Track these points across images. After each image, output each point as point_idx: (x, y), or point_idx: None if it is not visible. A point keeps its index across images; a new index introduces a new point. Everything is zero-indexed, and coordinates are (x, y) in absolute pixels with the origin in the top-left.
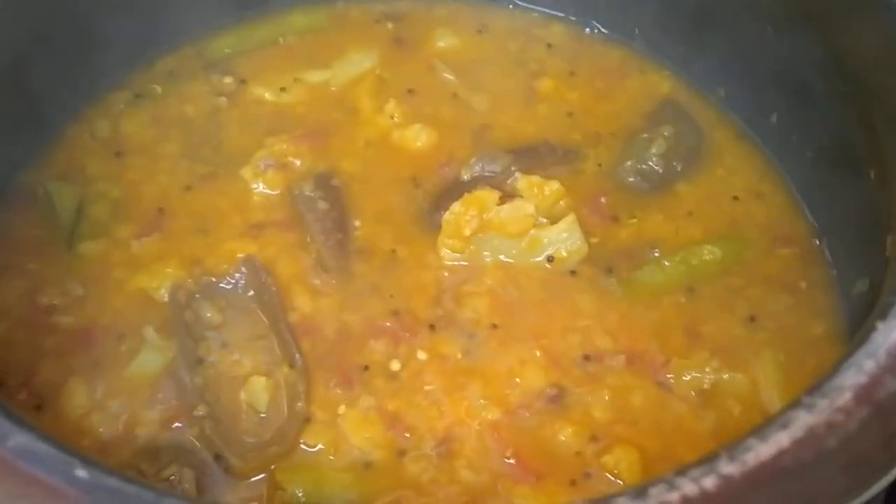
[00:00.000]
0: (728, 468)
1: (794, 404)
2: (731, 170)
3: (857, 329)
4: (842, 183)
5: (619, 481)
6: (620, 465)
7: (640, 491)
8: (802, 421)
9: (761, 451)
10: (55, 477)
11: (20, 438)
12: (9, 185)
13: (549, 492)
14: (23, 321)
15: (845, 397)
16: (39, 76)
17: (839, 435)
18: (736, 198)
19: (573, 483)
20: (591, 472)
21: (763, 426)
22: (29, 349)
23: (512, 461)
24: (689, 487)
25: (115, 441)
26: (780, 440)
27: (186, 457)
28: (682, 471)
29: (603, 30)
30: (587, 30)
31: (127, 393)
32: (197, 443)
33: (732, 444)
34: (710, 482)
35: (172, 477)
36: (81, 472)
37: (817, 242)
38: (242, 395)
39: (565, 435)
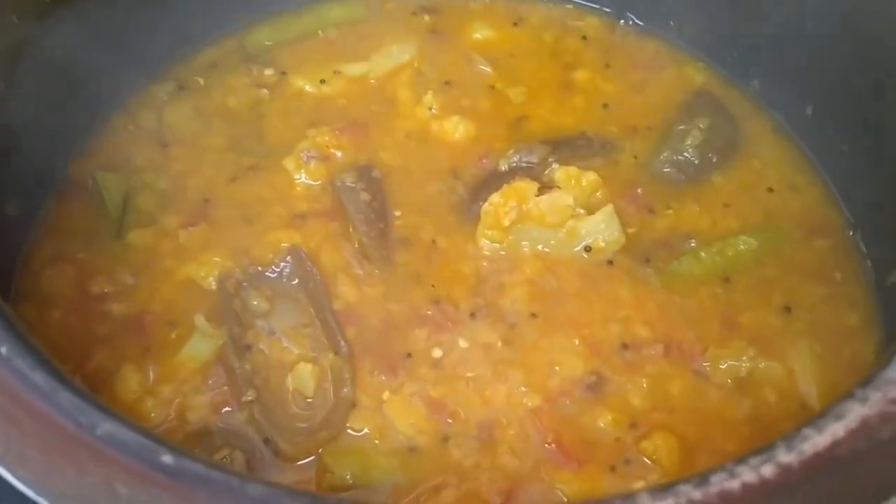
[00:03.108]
0: (786, 457)
1: (847, 396)
2: (766, 161)
3: (891, 319)
4: (876, 175)
5: (658, 467)
6: (659, 451)
7: (703, 479)
8: (857, 412)
9: (818, 441)
10: (142, 463)
11: (108, 426)
12: (58, 176)
13: (589, 477)
14: (75, 309)
15: None
16: (84, 68)
17: (893, 426)
18: (771, 189)
19: (613, 469)
20: (631, 457)
21: (818, 417)
22: (82, 336)
23: (553, 447)
24: (749, 475)
25: (168, 425)
26: (835, 431)
27: (237, 440)
28: (741, 459)
29: (638, 21)
30: (622, 21)
31: (178, 379)
32: (247, 427)
33: (790, 435)
34: (768, 470)
35: (224, 459)
36: (168, 459)
37: (851, 234)
38: (290, 381)
39: (605, 422)
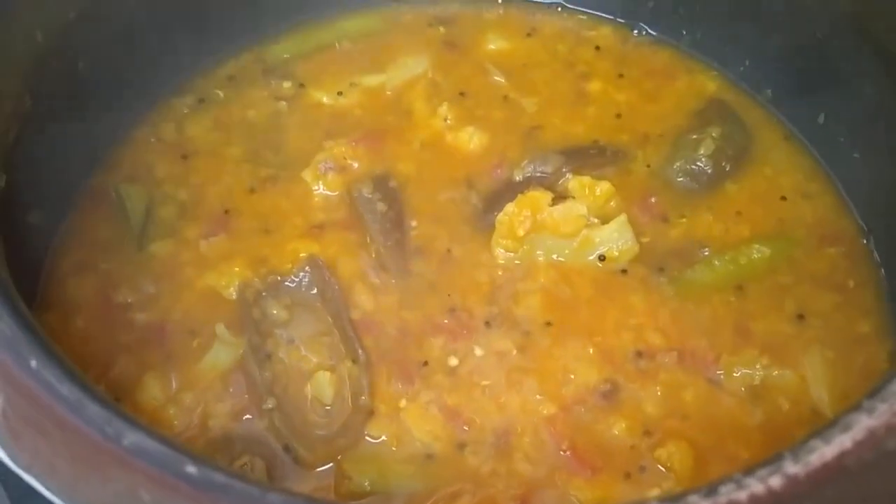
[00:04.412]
0: (793, 468)
1: (854, 407)
2: (778, 170)
3: None
4: (889, 183)
5: (671, 475)
6: (673, 458)
7: (711, 489)
8: (863, 424)
9: (825, 452)
10: (167, 473)
11: (134, 437)
12: (81, 187)
13: (604, 484)
14: (98, 317)
15: None
16: (106, 81)
17: None
18: (784, 198)
19: (628, 476)
20: (645, 465)
21: (825, 428)
22: (105, 344)
23: (568, 454)
24: (756, 486)
25: (189, 432)
26: (842, 442)
27: (257, 447)
28: (749, 471)
29: (650, 31)
30: (635, 31)
31: (200, 386)
32: (267, 434)
33: (796, 446)
34: (776, 481)
35: (244, 466)
36: (192, 469)
37: (865, 242)
38: (308, 389)
39: (619, 429)
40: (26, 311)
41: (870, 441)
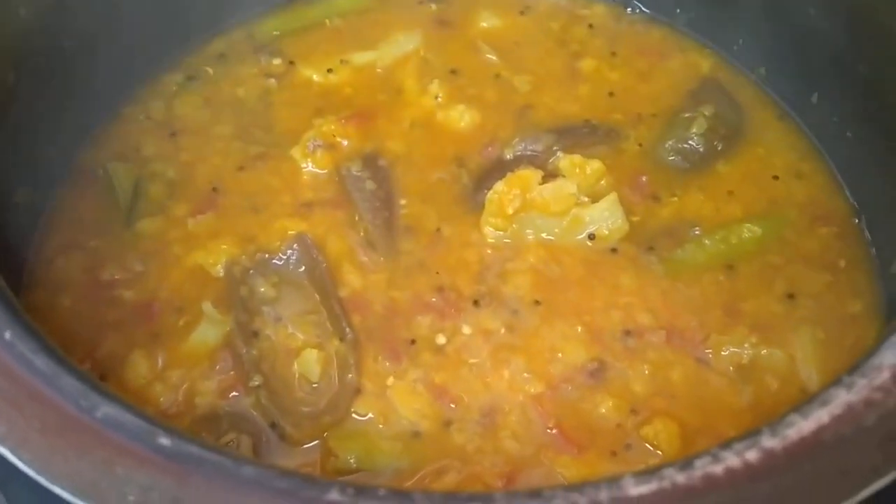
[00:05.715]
0: (770, 442)
1: (834, 383)
2: (771, 149)
3: (895, 307)
4: (881, 163)
5: (658, 453)
6: (660, 437)
7: (687, 463)
8: (842, 399)
9: (802, 426)
10: (140, 445)
11: (107, 409)
12: (69, 165)
13: (590, 462)
14: (86, 296)
15: (883, 376)
16: (93, 58)
17: (877, 412)
18: (776, 177)
19: (614, 454)
20: (632, 443)
21: (804, 403)
22: (92, 322)
23: (554, 432)
24: (732, 460)
25: (176, 409)
26: (820, 416)
27: (244, 424)
28: (725, 444)
29: (644, 9)
30: (628, 10)
31: (186, 364)
32: (254, 411)
33: (775, 420)
34: (752, 455)
35: (231, 443)
36: (165, 441)
37: (856, 221)
38: (295, 367)
39: (606, 408)
40: (2, 284)
41: (848, 416)
